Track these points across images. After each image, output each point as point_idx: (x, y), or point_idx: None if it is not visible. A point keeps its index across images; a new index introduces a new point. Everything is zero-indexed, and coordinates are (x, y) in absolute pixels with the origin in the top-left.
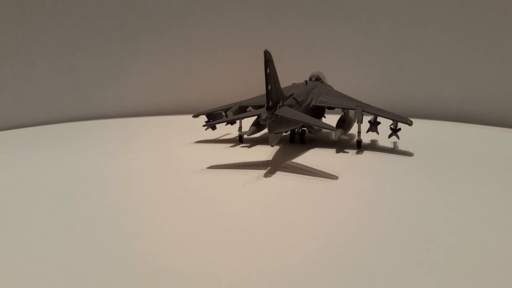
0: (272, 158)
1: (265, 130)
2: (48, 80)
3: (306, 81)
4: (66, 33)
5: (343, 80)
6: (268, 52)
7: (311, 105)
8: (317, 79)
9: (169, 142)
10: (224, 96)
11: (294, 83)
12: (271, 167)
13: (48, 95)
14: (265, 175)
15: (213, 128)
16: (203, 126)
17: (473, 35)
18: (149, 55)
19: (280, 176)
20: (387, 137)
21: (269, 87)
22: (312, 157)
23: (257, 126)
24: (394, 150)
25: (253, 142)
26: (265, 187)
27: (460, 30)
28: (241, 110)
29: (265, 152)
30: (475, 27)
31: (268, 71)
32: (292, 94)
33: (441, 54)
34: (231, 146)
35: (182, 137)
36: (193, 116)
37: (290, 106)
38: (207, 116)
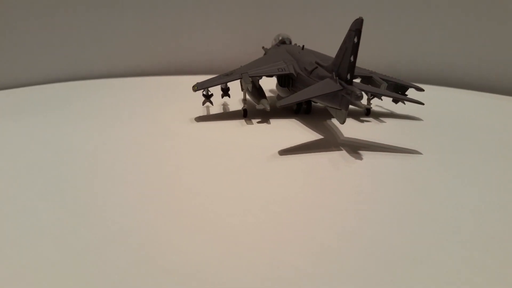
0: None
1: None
2: (29, 39)
3: (303, 45)
4: None
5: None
6: (362, 20)
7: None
8: (284, 42)
9: (162, 112)
10: (219, 56)
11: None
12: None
13: (29, 55)
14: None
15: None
16: (203, 105)
17: None
18: (137, 10)
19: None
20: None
21: (352, 59)
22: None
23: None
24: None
25: (260, 117)
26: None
27: None
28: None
29: (279, 127)
30: None
31: (356, 40)
32: (317, 63)
33: (449, 15)
34: (232, 119)
35: (176, 105)
36: (194, 89)
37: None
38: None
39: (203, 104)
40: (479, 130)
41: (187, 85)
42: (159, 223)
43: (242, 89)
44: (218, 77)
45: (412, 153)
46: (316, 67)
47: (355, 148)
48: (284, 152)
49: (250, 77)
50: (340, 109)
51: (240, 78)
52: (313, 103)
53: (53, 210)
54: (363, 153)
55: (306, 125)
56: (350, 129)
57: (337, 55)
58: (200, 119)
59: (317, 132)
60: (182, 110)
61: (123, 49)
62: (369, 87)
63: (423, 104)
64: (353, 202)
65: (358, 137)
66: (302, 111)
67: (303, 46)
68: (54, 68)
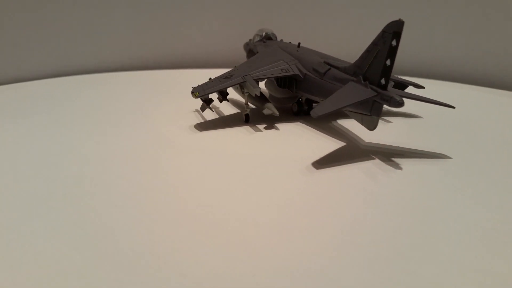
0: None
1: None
2: (16, 33)
3: (299, 43)
4: None
5: (339, 32)
6: (403, 22)
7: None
8: (270, 38)
9: (157, 115)
10: (216, 49)
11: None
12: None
13: (17, 50)
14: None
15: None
16: (202, 111)
17: None
18: (131, 0)
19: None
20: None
21: (389, 63)
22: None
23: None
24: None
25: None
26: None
27: None
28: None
29: (291, 134)
30: None
31: (395, 44)
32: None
33: (454, 6)
34: (235, 125)
35: (171, 105)
36: (195, 96)
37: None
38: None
39: (202, 111)
40: (491, 129)
41: (181, 80)
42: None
43: (243, 93)
44: (217, 81)
45: (441, 157)
46: (330, 69)
47: (384, 154)
48: (318, 164)
49: (254, 80)
50: (370, 115)
51: (243, 81)
52: (313, 103)
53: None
54: (395, 160)
55: (317, 129)
56: (363, 131)
57: (362, 57)
58: (201, 127)
59: (332, 136)
60: (178, 111)
61: (115, 42)
62: (403, 92)
63: (454, 107)
64: (410, 221)
65: (378, 141)
66: (301, 112)
67: (299, 43)
68: (40, 63)
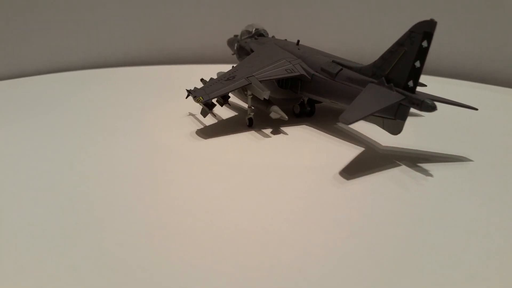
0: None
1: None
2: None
3: (298, 41)
4: None
5: (338, 28)
6: (436, 23)
7: None
8: (261, 34)
9: (149, 118)
10: (212, 44)
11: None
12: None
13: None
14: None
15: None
16: (204, 116)
17: None
18: None
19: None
20: None
21: (419, 65)
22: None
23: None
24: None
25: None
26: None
27: None
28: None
29: (301, 139)
30: None
31: (426, 45)
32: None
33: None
34: (239, 130)
35: (164, 106)
36: (199, 101)
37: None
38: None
39: (204, 116)
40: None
41: (173, 77)
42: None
43: (246, 96)
44: (219, 83)
45: (462, 160)
46: (342, 69)
47: (408, 159)
48: (345, 173)
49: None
50: (395, 119)
51: (249, 84)
52: (315, 104)
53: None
54: (421, 165)
55: (326, 132)
56: (374, 133)
57: (384, 58)
58: (202, 133)
59: (345, 140)
60: (173, 115)
61: (107, 37)
62: (429, 94)
63: (476, 109)
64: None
65: (395, 144)
66: (304, 114)
67: (298, 41)
68: (26, 60)
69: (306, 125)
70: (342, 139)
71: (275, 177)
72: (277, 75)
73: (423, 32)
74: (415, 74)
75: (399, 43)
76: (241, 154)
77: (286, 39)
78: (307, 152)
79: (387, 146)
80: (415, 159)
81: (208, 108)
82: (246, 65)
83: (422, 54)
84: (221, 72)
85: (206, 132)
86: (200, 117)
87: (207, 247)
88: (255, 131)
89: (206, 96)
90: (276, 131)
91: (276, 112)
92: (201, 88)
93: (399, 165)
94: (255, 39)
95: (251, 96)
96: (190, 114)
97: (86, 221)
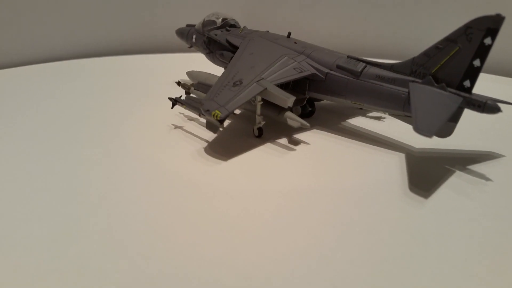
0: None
1: None
2: None
3: (289, 33)
4: None
5: (337, 20)
6: (503, 18)
7: None
8: (233, 25)
9: (131, 129)
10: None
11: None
12: None
13: None
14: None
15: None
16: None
17: None
18: None
19: None
20: None
21: (479, 64)
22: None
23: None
24: None
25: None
26: None
27: None
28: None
29: (324, 148)
30: None
31: (489, 42)
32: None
33: None
34: (251, 144)
35: (147, 109)
36: (218, 119)
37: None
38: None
39: (214, 132)
40: None
41: (163, 68)
42: None
43: (254, 102)
44: (227, 90)
45: (498, 156)
46: (366, 66)
47: (454, 161)
48: (411, 188)
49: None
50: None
51: (264, 89)
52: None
53: None
54: (471, 168)
55: (346, 136)
56: (393, 131)
57: (428, 55)
58: (208, 151)
59: (376, 145)
60: (161, 125)
61: (84, 24)
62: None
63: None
64: None
65: (427, 145)
66: (304, 115)
67: (290, 33)
68: None
69: (316, 129)
70: (370, 144)
71: (332, 206)
72: (288, 76)
73: (486, 28)
74: (473, 74)
75: (450, 40)
76: (271, 177)
77: (267, 31)
78: (343, 165)
79: (421, 148)
80: (460, 161)
81: (220, 122)
82: (244, 65)
83: (484, 52)
84: (194, 71)
85: (214, 149)
86: (192, 125)
87: None
88: (270, 142)
89: (224, 109)
90: (292, 141)
91: (293, 120)
92: (208, 100)
93: (450, 169)
94: (227, 30)
95: (262, 103)
96: (174, 129)
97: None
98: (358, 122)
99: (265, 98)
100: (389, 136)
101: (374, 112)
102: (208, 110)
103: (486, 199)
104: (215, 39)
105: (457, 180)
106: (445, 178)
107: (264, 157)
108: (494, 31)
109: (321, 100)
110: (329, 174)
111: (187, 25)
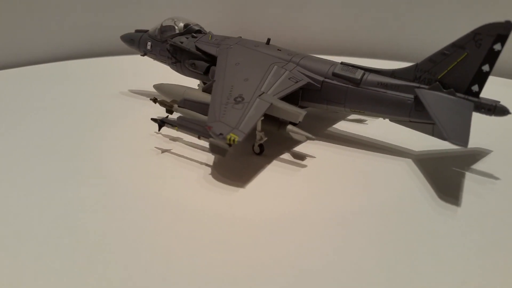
0: None
1: None
2: None
3: (269, 39)
4: None
5: (331, 17)
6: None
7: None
8: (198, 31)
9: (115, 151)
10: None
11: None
12: None
13: None
14: None
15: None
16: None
17: None
18: None
19: None
20: None
21: (488, 69)
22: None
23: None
24: None
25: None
26: None
27: None
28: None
29: (330, 162)
30: None
31: (499, 48)
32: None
33: None
34: (252, 163)
35: (128, 128)
36: (232, 142)
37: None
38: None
39: (223, 155)
40: None
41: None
42: None
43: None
44: (233, 109)
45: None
46: (364, 73)
47: (459, 161)
48: (445, 196)
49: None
50: None
51: (270, 104)
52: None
53: None
54: (475, 167)
55: (347, 145)
56: (384, 134)
57: (433, 61)
58: (217, 177)
59: (379, 152)
60: (150, 146)
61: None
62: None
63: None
64: None
65: (425, 148)
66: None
67: (269, 39)
68: None
69: (322, 142)
70: (372, 151)
71: (367, 227)
72: (287, 88)
73: (496, 34)
74: (481, 78)
75: (457, 46)
76: (284, 200)
77: (240, 37)
78: (358, 180)
79: (421, 151)
80: (463, 160)
81: (230, 145)
82: (235, 77)
83: (493, 57)
84: (164, 84)
85: (214, 174)
86: (184, 148)
87: None
88: (273, 159)
89: (239, 132)
90: (296, 155)
91: (297, 133)
92: (215, 121)
93: (461, 171)
94: (193, 37)
95: (262, 118)
96: (161, 151)
97: None
98: (346, 127)
99: (272, 114)
100: (386, 141)
101: (355, 116)
102: (221, 134)
103: (495, 200)
104: (181, 47)
105: (465, 182)
106: (461, 181)
107: (272, 176)
108: (504, 37)
109: (305, 107)
110: (348, 193)
111: (136, 31)
